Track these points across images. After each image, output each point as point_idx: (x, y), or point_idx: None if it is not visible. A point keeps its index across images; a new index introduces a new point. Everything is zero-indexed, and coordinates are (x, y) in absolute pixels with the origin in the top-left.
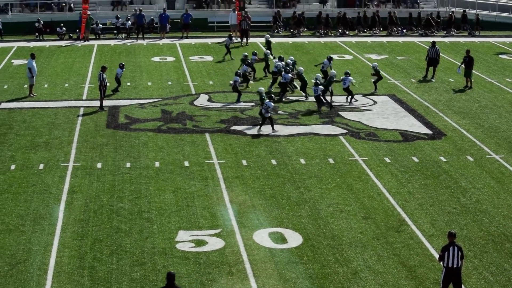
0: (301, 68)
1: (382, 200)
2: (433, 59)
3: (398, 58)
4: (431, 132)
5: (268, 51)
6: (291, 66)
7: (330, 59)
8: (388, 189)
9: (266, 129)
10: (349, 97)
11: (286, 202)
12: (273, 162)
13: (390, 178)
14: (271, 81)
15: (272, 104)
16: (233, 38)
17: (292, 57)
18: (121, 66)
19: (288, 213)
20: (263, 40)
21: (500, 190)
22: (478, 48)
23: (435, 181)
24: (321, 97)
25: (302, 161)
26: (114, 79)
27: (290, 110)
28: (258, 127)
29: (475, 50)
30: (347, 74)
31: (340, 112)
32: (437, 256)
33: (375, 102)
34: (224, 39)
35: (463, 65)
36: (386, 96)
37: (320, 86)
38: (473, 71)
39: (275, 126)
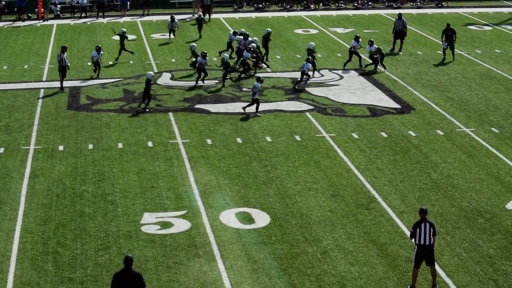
0: (255, 38)
1: (350, 177)
2: (400, 31)
3: (364, 31)
4: (399, 106)
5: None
6: (254, 44)
7: (357, 39)
8: (357, 165)
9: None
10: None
11: (253, 181)
12: (239, 140)
13: (358, 154)
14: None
15: (259, 85)
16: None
17: (256, 38)
18: (98, 49)
19: (255, 193)
20: (227, 16)
21: (472, 164)
22: (446, 19)
23: (404, 157)
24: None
25: (268, 138)
26: (92, 63)
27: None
28: (246, 105)
29: (443, 22)
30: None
31: (306, 88)
32: (408, 233)
33: (341, 77)
34: (187, 16)
35: (444, 38)
36: (353, 71)
37: (308, 63)
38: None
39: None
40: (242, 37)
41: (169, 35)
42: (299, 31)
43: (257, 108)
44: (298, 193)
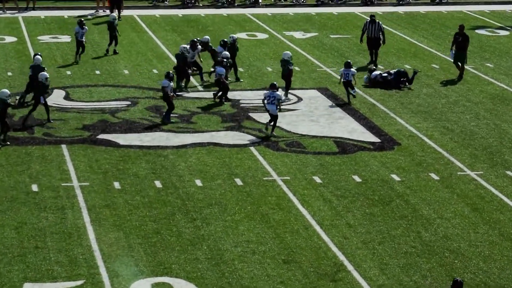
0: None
1: (310, 237)
2: (372, 39)
3: (331, 36)
4: (378, 140)
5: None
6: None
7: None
8: (319, 220)
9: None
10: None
11: (176, 240)
12: (157, 184)
13: (322, 206)
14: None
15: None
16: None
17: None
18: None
19: (179, 256)
20: (143, 13)
21: (479, 221)
22: (446, 21)
23: (385, 209)
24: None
25: (198, 182)
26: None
27: (181, 110)
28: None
29: (441, 24)
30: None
31: (250, 114)
32: None
33: (299, 99)
34: (89, 12)
35: (454, 47)
36: (315, 90)
37: (352, 69)
38: (462, 53)
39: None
40: (187, 46)
41: (77, 52)
42: (243, 35)
43: (273, 126)
44: (238, 258)
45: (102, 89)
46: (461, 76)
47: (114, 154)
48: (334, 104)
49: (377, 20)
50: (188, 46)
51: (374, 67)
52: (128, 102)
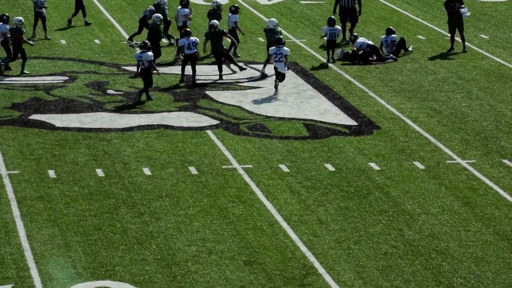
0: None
1: (276, 234)
2: (347, 10)
3: (301, 2)
4: (355, 123)
5: None
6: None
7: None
8: (286, 215)
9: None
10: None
11: (121, 238)
12: (99, 172)
13: (289, 198)
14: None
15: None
16: None
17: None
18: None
19: (124, 257)
20: None
21: (470, 217)
22: None
23: (362, 203)
24: None
25: (146, 170)
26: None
27: (127, 87)
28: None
29: None
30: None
31: (207, 91)
32: None
33: (264, 75)
34: None
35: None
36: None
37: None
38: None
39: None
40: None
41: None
42: (199, 1)
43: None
44: (192, 259)
45: (35, 61)
46: (464, 48)
47: (49, 138)
48: (304, 81)
49: None
50: (159, 14)
51: (355, 35)
52: (66, 78)
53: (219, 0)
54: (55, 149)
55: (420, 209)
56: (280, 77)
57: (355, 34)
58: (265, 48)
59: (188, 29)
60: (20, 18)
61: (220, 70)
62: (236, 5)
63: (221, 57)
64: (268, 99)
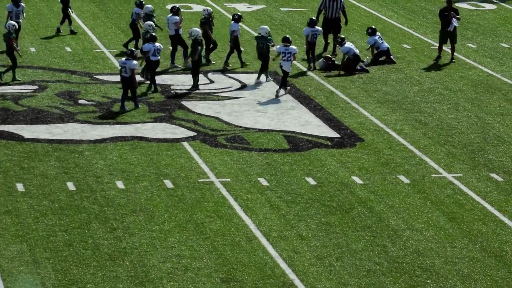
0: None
1: (254, 251)
2: (332, 21)
3: (282, 9)
4: (337, 136)
5: None
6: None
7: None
8: (265, 231)
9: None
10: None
11: (92, 254)
12: (70, 186)
13: (268, 213)
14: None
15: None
16: None
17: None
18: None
19: (96, 274)
20: None
21: (457, 233)
22: None
23: (344, 218)
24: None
25: (120, 184)
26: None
27: (100, 97)
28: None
29: None
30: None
31: (183, 102)
32: None
33: (243, 85)
34: None
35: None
36: (263, 76)
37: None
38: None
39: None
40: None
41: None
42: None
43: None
44: (167, 276)
45: (2, 69)
46: (452, 58)
47: (17, 150)
48: (284, 92)
49: None
50: (151, 22)
51: (342, 37)
52: (35, 87)
53: (209, 8)
54: (24, 161)
55: (404, 224)
56: (284, 76)
57: (342, 36)
58: (252, 56)
59: (154, 34)
60: (14, 23)
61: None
62: (239, 13)
63: (197, 67)
64: (246, 110)
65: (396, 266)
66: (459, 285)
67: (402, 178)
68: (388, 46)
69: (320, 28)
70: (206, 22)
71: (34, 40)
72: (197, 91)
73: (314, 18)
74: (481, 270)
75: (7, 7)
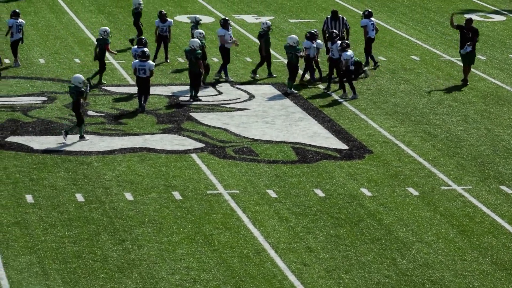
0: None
1: (263, 263)
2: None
3: (290, 21)
4: (346, 147)
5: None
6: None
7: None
8: (274, 243)
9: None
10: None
11: (101, 266)
12: (79, 197)
13: (277, 225)
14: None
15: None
16: None
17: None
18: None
19: (105, 285)
20: None
21: (467, 246)
22: (428, 3)
23: (353, 230)
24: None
25: (128, 195)
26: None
27: (108, 108)
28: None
29: (422, 7)
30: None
31: (192, 113)
32: None
33: (251, 96)
34: None
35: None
36: (269, 86)
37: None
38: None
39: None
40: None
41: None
42: (183, 18)
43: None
44: (175, 287)
45: (12, 81)
46: (466, 81)
47: (27, 161)
48: (293, 103)
49: (341, 15)
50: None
51: (347, 42)
52: (44, 98)
53: (268, 21)
54: (33, 172)
55: (413, 237)
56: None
57: (348, 42)
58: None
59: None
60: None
61: (196, 91)
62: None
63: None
64: (254, 122)
65: (406, 279)
66: None
67: (411, 190)
68: (359, 59)
69: (320, 42)
70: (264, 35)
71: (43, 51)
72: (204, 102)
73: (313, 31)
74: (491, 283)
75: (8, 22)
